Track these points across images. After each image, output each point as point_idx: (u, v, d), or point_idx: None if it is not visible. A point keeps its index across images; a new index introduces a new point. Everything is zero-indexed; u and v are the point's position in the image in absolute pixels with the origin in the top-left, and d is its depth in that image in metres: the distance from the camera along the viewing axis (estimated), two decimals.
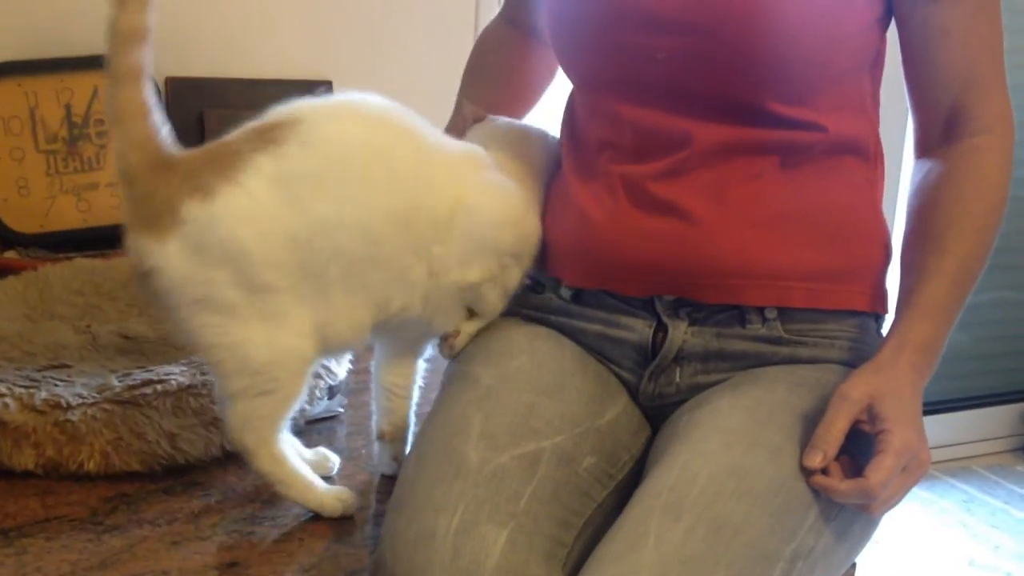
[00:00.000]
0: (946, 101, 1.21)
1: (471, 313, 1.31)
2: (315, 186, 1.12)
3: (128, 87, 1.10)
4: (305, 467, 1.22)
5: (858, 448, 1.08)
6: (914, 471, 1.07)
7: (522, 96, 1.53)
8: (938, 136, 1.23)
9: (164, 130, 1.13)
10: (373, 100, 1.20)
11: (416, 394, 1.33)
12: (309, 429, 1.44)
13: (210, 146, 1.14)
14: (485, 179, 1.26)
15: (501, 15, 1.56)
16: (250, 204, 1.09)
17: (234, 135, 1.14)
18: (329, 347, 1.19)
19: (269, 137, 1.11)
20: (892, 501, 1.08)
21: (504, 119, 1.40)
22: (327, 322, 1.16)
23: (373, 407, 1.33)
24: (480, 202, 1.23)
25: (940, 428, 3.16)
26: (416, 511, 1.06)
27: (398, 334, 1.28)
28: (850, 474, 1.07)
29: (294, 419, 1.36)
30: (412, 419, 1.33)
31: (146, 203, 1.10)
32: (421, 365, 1.33)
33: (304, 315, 1.14)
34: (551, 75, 1.53)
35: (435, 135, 1.24)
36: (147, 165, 1.11)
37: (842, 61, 1.20)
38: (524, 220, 1.29)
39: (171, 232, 1.09)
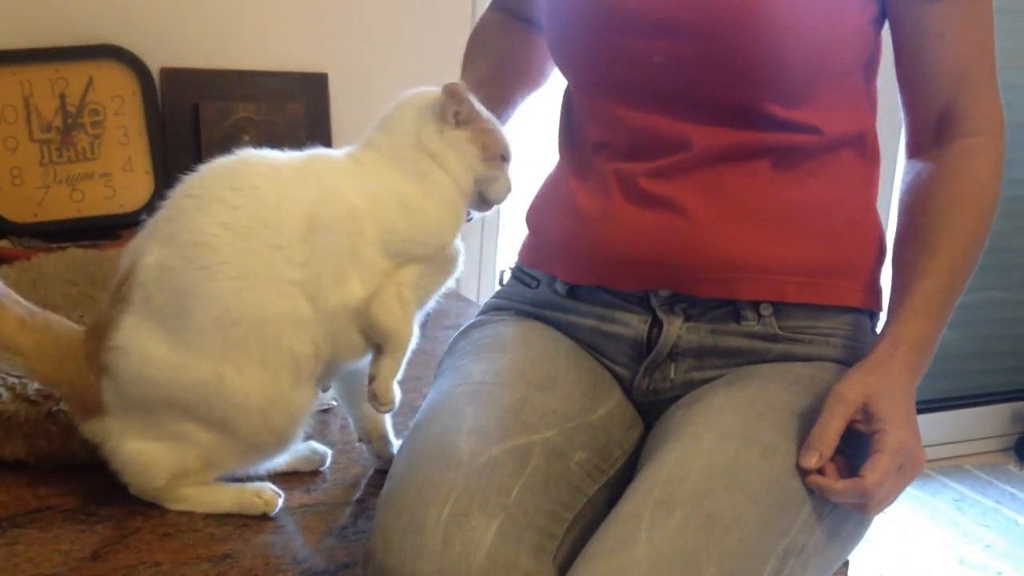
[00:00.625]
0: (938, 102, 1.22)
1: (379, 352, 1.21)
2: (169, 312, 1.14)
3: None
4: (220, 484, 1.22)
5: (852, 447, 1.09)
6: (909, 470, 1.07)
7: (526, 76, 1.47)
8: (930, 137, 1.23)
9: (46, 321, 1.21)
10: (202, 182, 1.19)
11: None
12: None
13: (92, 321, 1.20)
14: (322, 183, 1.18)
15: (494, 6, 1.54)
16: (138, 358, 1.14)
17: (103, 301, 1.20)
18: (264, 454, 1.22)
19: (120, 296, 1.16)
20: (887, 500, 1.08)
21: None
22: (251, 438, 1.17)
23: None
24: (316, 206, 1.16)
25: (932, 427, 3.16)
26: (407, 502, 1.05)
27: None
28: (845, 473, 1.07)
29: None
30: (386, 419, 1.33)
31: (75, 398, 1.20)
32: None
33: (221, 442, 1.17)
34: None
35: (271, 171, 1.19)
36: (55, 369, 1.19)
37: (838, 62, 1.20)
38: (379, 205, 1.18)
39: (103, 412, 1.17)
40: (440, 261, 1.23)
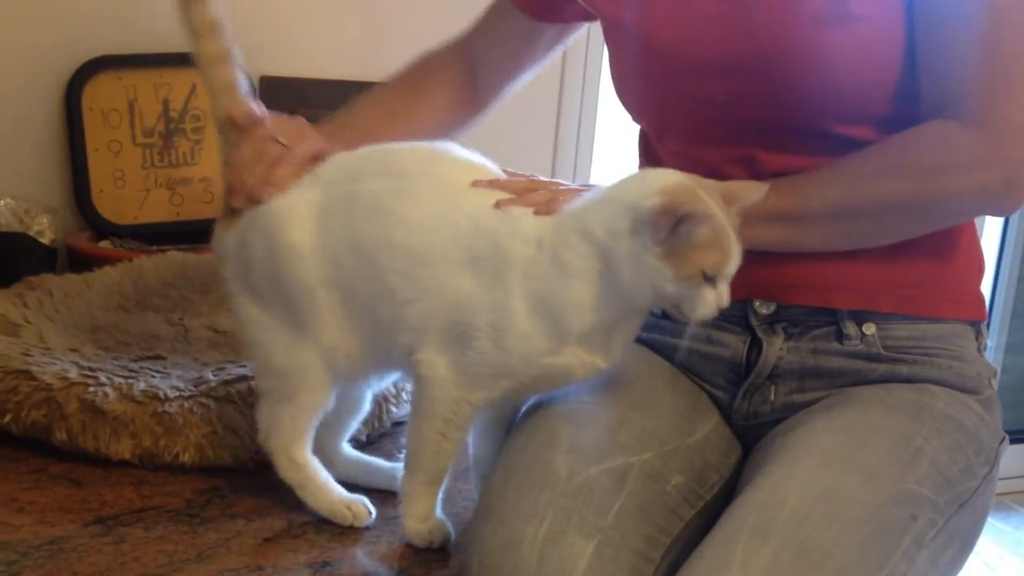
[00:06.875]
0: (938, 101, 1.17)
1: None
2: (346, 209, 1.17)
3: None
4: (325, 476, 1.23)
5: None
6: None
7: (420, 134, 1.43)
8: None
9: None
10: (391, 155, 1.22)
11: None
12: (396, 431, 1.45)
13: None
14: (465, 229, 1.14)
15: (460, 48, 1.52)
16: (289, 214, 1.19)
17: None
18: (338, 372, 1.21)
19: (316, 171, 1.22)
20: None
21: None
22: (336, 347, 1.18)
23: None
24: (442, 246, 1.14)
25: (1016, 458, 3.09)
26: (503, 518, 1.06)
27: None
28: None
29: (372, 427, 1.39)
30: None
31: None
32: None
33: (321, 335, 1.18)
34: (469, 115, 1.50)
35: (442, 176, 1.18)
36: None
37: (898, 74, 1.19)
38: (489, 311, 1.11)
39: (233, 224, 1.22)
40: (536, 379, 1.14)
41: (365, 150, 1.22)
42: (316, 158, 1.23)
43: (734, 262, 1.07)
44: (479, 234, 1.11)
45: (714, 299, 1.07)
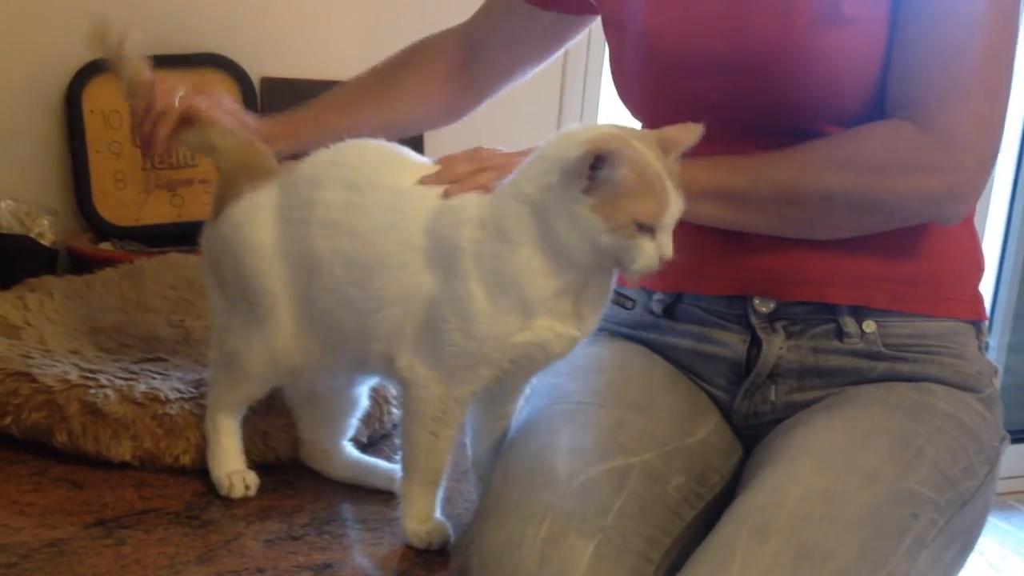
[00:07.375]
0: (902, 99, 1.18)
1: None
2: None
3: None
4: (232, 447, 1.27)
5: None
6: None
7: (405, 126, 1.48)
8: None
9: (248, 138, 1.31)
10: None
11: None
12: (397, 432, 1.44)
13: (285, 165, 1.25)
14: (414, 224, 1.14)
15: (460, 39, 1.53)
16: (257, 212, 1.20)
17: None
18: (279, 372, 1.24)
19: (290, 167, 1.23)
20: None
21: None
22: (288, 348, 1.20)
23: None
24: (394, 249, 1.15)
25: (1019, 458, 3.09)
26: (504, 519, 1.06)
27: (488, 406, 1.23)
28: None
29: (373, 428, 1.39)
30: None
31: (216, 200, 1.27)
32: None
33: (275, 336, 1.20)
34: (460, 101, 1.52)
35: (388, 177, 1.18)
36: (233, 169, 1.27)
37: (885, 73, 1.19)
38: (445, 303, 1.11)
39: (213, 221, 1.25)
40: (514, 362, 1.12)
41: (326, 152, 1.21)
42: (189, 113, 1.32)
43: (671, 211, 1.04)
44: (428, 233, 1.11)
45: (655, 250, 1.04)
